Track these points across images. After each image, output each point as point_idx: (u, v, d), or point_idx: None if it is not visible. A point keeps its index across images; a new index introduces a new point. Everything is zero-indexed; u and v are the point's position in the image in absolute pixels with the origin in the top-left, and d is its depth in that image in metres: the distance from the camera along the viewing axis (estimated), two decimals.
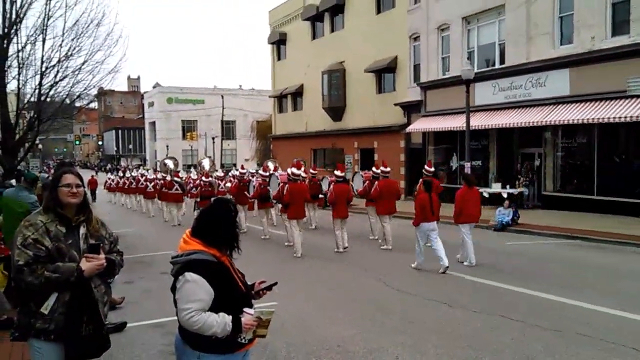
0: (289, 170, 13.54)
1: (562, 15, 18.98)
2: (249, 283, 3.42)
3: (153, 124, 77.84)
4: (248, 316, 3.11)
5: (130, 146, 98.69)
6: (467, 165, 18.96)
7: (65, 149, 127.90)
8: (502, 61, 21.41)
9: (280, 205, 14.70)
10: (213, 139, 61.15)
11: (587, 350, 5.79)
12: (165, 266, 11.16)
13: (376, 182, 13.54)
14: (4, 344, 6.11)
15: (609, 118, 16.46)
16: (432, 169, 14.04)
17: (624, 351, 5.74)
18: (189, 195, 22.08)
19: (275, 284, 3.42)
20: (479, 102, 21.50)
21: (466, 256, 10.72)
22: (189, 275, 3.09)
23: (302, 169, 13.84)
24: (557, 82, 18.80)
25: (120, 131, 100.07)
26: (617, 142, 18.37)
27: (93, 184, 35.50)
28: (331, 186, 14.04)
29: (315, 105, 34.46)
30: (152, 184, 24.36)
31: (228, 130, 70.60)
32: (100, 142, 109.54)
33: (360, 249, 13.14)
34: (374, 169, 14.93)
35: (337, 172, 13.56)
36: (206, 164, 27.06)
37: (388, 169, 14.02)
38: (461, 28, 23.11)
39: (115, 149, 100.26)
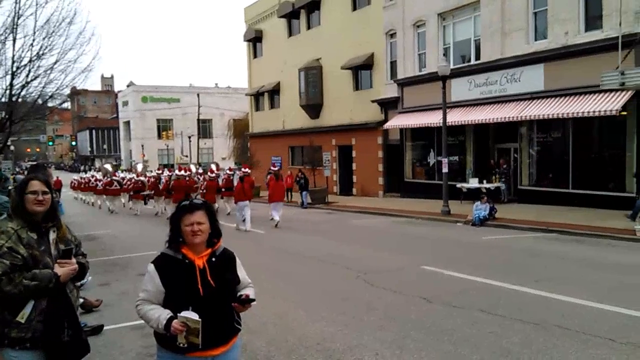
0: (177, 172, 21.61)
1: (536, 10, 19.20)
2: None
3: (128, 123, 76.99)
4: (179, 319, 3.01)
5: (105, 146, 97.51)
6: (445, 161, 19.00)
7: (38, 150, 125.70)
8: (477, 57, 21.58)
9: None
10: (189, 137, 60.67)
11: (565, 342, 5.84)
12: (141, 268, 11.00)
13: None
14: None
15: (583, 112, 16.66)
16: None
17: (600, 342, 5.79)
18: (126, 190, 27.31)
19: (253, 300, 3.27)
20: (456, 98, 21.64)
21: (275, 222, 17.14)
22: (149, 266, 3.24)
23: (182, 171, 22.59)
24: (532, 78, 19.01)
25: (94, 131, 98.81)
26: (592, 136, 18.64)
27: (57, 184, 37.04)
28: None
29: (293, 103, 34.37)
30: (101, 183, 29.59)
31: (204, 129, 70.15)
32: (73, 143, 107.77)
33: (340, 247, 13.15)
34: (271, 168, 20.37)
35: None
36: (139, 166, 34.42)
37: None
38: (437, 24, 23.23)
39: (89, 149, 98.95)
